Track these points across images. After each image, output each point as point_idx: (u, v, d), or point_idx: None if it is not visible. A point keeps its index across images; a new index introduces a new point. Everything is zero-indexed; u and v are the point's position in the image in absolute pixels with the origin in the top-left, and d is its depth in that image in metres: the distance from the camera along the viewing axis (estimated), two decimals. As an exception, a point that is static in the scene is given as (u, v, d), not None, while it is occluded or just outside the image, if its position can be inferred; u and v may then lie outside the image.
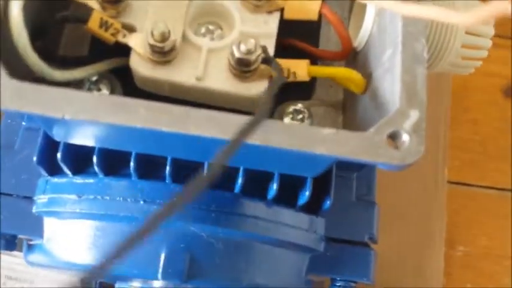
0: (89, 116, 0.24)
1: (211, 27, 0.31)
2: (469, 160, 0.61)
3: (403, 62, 0.26)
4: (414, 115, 0.25)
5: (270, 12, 0.30)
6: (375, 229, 0.37)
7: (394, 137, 0.25)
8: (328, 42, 0.34)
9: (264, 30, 0.30)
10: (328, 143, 0.24)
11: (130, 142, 0.30)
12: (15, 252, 0.38)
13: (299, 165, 0.31)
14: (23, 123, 0.37)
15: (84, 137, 0.31)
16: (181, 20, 0.29)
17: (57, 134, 0.31)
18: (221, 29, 0.31)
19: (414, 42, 0.26)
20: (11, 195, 0.35)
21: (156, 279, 0.32)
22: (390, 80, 0.27)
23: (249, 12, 0.30)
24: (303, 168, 0.31)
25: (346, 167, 0.36)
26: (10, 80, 0.24)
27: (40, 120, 0.30)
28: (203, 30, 0.31)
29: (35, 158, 0.33)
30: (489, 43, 0.33)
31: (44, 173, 0.34)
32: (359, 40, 0.31)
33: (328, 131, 0.25)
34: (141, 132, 0.24)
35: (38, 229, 0.35)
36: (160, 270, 0.31)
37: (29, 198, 0.35)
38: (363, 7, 0.31)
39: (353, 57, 0.33)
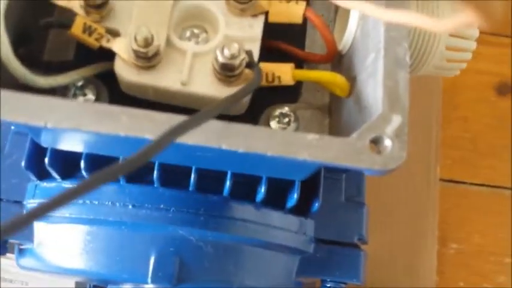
0: (71, 125, 0.24)
1: (196, 30, 0.31)
2: (460, 158, 0.61)
3: (385, 66, 0.26)
4: (396, 120, 0.25)
5: (254, 15, 0.30)
6: (365, 230, 0.37)
7: (376, 142, 0.25)
8: (314, 44, 0.34)
9: (248, 34, 0.30)
10: (312, 148, 0.24)
11: (116, 148, 0.30)
12: (10, 254, 0.38)
13: (286, 170, 0.31)
14: (12, 127, 0.37)
15: (70, 144, 0.30)
16: (165, 24, 0.29)
17: (44, 141, 0.31)
18: (206, 32, 0.31)
19: (396, 47, 0.26)
20: (1, 199, 0.35)
21: (146, 283, 0.32)
22: (373, 85, 0.27)
23: (234, 16, 0.30)
24: (290, 172, 0.31)
25: (334, 168, 0.36)
26: (-8, 89, 0.24)
27: (25, 127, 0.30)
28: (188, 34, 0.31)
29: (23, 163, 0.33)
30: (474, 45, 0.33)
31: (33, 177, 0.34)
32: (344, 43, 0.31)
33: (311, 137, 0.24)
34: (125, 139, 0.24)
35: (28, 233, 0.35)
36: (150, 274, 0.31)
37: (20, 203, 0.35)
38: (348, 10, 0.31)
39: (338, 60, 0.33)
